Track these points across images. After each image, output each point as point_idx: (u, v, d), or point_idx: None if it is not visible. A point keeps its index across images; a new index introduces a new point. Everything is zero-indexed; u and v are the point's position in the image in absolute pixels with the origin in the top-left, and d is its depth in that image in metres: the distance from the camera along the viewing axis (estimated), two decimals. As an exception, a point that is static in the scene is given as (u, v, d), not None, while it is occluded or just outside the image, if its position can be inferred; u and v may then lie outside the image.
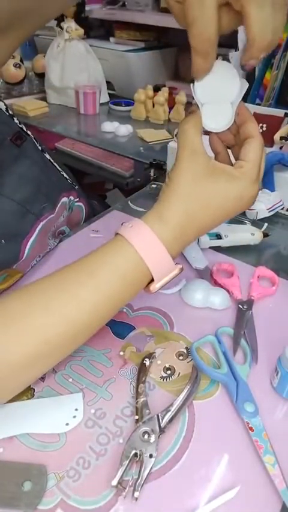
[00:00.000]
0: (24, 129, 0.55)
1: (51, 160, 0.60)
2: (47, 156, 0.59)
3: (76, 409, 0.39)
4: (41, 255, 0.57)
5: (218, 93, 0.38)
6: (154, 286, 0.39)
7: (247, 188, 0.39)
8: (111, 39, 1.39)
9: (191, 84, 0.39)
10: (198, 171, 0.38)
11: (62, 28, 1.22)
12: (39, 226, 0.53)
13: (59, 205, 0.58)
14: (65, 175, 0.64)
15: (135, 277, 0.38)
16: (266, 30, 0.32)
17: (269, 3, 0.31)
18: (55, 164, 0.62)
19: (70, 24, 1.21)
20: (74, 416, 0.38)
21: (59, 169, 0.63)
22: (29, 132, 0.56)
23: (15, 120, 0.54)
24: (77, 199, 0.66)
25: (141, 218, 0.39)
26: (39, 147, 0.57)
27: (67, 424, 0.38)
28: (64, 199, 0.60)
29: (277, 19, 0.31)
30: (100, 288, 0.37)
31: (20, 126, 0.54)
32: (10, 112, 0.53)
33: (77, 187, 0.67)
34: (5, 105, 0.53)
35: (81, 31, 1.24)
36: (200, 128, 0.39)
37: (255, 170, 0.39)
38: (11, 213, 0.49)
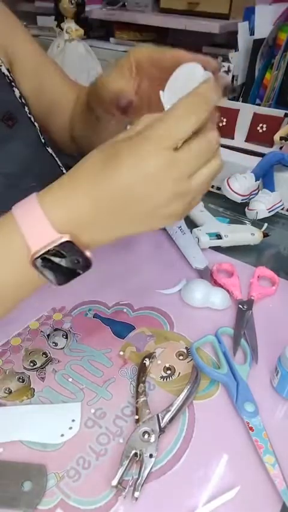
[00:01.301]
0: (32, 119, 0.56)
1: (53, 154, 0.61)
2: (49, 150, 0.60)
3: (73, 420, 0.39)
4: None
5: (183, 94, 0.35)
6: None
7: (143, 144, 0.30)
8: (111, 39, 1.39)
9: (160, 92, 0.36)
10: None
11: (62, 29, 1.22)
12: None
13: None
14: (64, 171, 0.65)
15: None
16: None
17: None
18: (56, 159, 0.62)
19: (70, 25, 1.21)
20: (70, 428, 0.38)
21: (59, 164, 0.63)
22: (36, 124, 0.57)
23: (26, 109, 0.56)
24: None
25: (38, 196, 0.34)
26: (42, 140, 0.58)
27: (62, 435, 0.37)
28: None
29: None
30: None
31: (29, 115, 0.56)
32: (22, 100, 0.55)
33: None
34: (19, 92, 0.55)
35: (81, 31, 1.24)
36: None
37: (167, 125, 0.31)
38: None
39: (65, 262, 0.33)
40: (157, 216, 0.33)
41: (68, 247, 0.33)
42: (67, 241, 0.32)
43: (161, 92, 0.36)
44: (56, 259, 0.33)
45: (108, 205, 0.32)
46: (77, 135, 0.63)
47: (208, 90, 0.32)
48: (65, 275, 0.34)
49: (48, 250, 0.32)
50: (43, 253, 0.32)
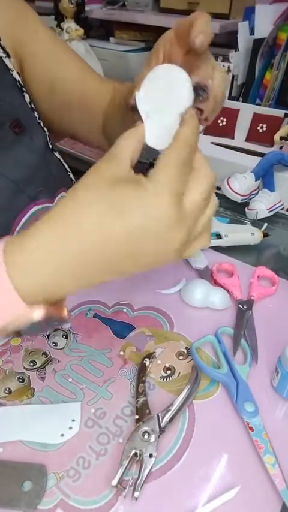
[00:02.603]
0: (42, 124, 0.57)
1: (61, 159, 0.61)
2: (57, 155, 0.60)
3: (73, 420, 0.39)
4: None
5: (164, 102, 0.31)
6: None
7: (152, 202, 0.27)
8: (111, 39, 1.39)
9: (136, 92, 0.32)
10: (104, 176, 0.29)
11: (62, 28, 1.22)
12: (34, 209, 0.53)
13: (58, 197, 0.58)
14: (71, 176, 0.65)
15: None
16: None
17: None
18: (64, 164, 0.62)
19: (70, 25, 1.21)
20: (70, 428, 0.38)
21: (67, 169, 0.63)
22: (45, 129, 0.57)
23: (35, 114, 0.55)
24: None
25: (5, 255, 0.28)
26: (50, 145, 0.58)
27: (62, 435, 0.37)
28: (64, 193, 0.60)
29: None
30: None
31: (39, 121, 0.56)
32: (32, 105, 0.55)
33: None
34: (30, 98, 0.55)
35: (81, 31, 1.24)
36: (139, 145, 0.31)
37: (172, 176, 0.28)
38: (3, 188, 0.50)
39: (39, 325, 0.31)
40: (157, 263, 0.31)
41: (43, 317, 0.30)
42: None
43: (136, 93, 0.31)
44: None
45: (101, 258, 0.29)
46: (113, 133, 0.57)
47: (192, 134, 0.30)
48: (39, 331, 0.34)
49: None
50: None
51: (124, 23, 1.32)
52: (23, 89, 0.53)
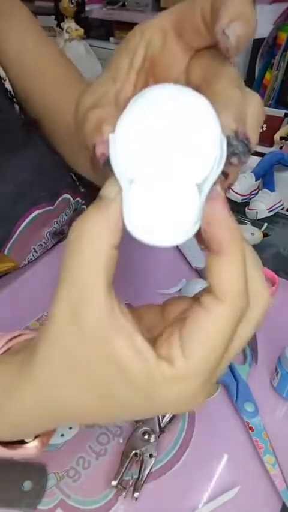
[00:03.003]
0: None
1: (62, 161, 0.61)
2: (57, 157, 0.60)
3: None
4: (37, 249, 0.56)
5: (167, 160, 0.17)
6: None
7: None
8: (111, 39, 1.39)
9: (108, 133, 0.18)
10: (71, 350, 0.19)
11: (62, 28, 1.22)
12: (34, 214, 0.53)
13: (59, 200, 0.58)
14: (74, 177, 0.65)
15: None
16: None
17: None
18: (66, 164, 0.62)
19: (70, 25, 1.22)
20: (70, 428, 0.38)
21: (69, 169, 0.63)
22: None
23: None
24: (83, 202, 0.66)
25: None
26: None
27: (62, 435, 0.37)
28: (66, 195, 0.60)
29: None
30: None
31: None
32: (22, 115, 0.53)
33: (83, 190, 0.67)
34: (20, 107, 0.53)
35: (81, 31, 1.24)
36: (111, 244, 0.18)
37: (202, 367, 0.19)
38: (4, 194, 0.49)
39: None
40: None
41: None
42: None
43: (110, 136, 0.17)
44: None
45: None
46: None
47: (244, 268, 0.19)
48: None
49: None
50: None
51: (124, 23, 1.32)
52: (14, 99, 0.51)
